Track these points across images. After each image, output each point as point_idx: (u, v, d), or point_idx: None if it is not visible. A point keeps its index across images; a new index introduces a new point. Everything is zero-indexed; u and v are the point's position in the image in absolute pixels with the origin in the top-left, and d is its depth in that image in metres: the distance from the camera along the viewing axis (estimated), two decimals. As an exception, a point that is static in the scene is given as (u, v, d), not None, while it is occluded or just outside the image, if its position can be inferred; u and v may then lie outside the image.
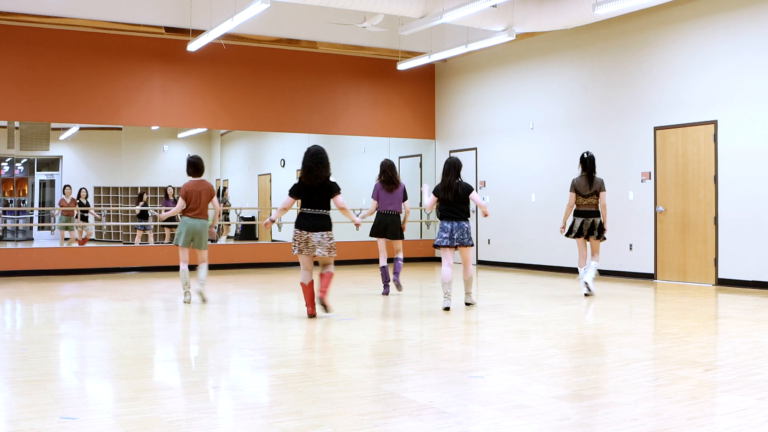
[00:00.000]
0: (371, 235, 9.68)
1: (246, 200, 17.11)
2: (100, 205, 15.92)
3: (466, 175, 15.10)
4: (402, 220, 9.72)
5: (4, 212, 15.28)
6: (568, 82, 12.94)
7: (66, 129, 15.63)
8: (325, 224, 7.33)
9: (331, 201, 7.46)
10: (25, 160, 16.22)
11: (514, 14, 10.95)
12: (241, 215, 16.81)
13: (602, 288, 10.35)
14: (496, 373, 5.10)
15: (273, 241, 16.17)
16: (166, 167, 16.60)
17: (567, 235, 9.36)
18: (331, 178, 7.47)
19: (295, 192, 7.45)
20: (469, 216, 8.23)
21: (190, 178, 8.86)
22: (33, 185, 16.54)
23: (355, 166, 16.56)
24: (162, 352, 6.21)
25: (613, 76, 12.08)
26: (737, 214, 10.24)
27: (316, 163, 7.37)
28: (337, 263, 13.68)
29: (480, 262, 14.82)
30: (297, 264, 14.50)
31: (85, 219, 14.81)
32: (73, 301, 9.54)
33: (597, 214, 9.19)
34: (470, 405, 4.25)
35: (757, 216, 10.01)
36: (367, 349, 6.19)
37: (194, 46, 12.04)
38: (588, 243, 9.32)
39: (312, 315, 7.46)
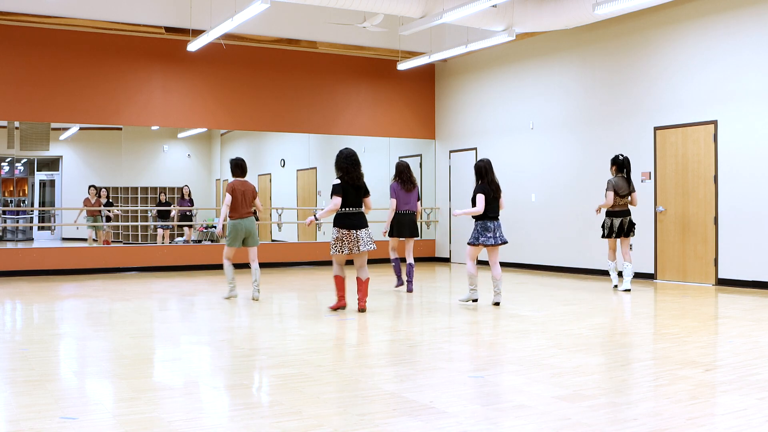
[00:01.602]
0: (392, 235, 9.97)
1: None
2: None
3: (466, 176, 15.14)
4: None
5: (4, 212, 15.28)
6: (568, 82, 12.95)
7: (66, 129, 15.63)
8: (365, 222, 7.93)
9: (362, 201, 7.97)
10: (25, 160, 16.22)
11: (514, 14, 10.95)
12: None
13: (602, 288, 10.36)
14: (496, 373, 5.10)
15: (273, 241, 16.17)
16: (166, 167, 16.60)
17: (607, 236, 9.95)
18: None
19: (341, 191, 7.79)
20: None
21: (235, 179, 9.21)
22: (33, 185, 16.54)
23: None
24: (162, 352, 6.21)
25: (613, 76, 12.08)
26: (737, 214, 10.24)
27: (353, 164, 7.84)
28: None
29: (480, 262, 14.77)
30: (296, 264, 14.57)
31: (108, 219, 14.83)
32: (73, 301, 9.54)
33: (628, 213, 9.94)
34: (470, 405, 4.25)
35: (757, 216, 10.01)
36: (367, 349, 6.19)
37: (194, 46, 12.04)
38: (618, 240, 9.99)
39: (344, 306, 8.04)
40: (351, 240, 7.78)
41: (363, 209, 7.93)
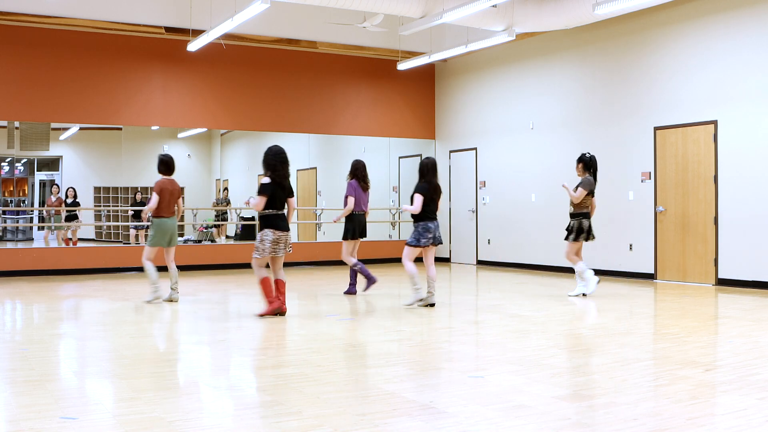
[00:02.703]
0: (350, 237, 9.52)
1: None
2: (100, 205, 15.92)
3: (467, 175, 15.15)
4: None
5: (4, 212, 15.28)
6: (568, 82, 12.95)
7: (66, 129, 15.64)
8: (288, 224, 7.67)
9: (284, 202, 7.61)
10: (25, 160, 16.22)
11: (514, 14, 10.95)
12: (241, 215, 16.82)
13: (602, 288, 10.36)
14: (496, 373, 5.10)
15: (273, 241, 16.15)
16: (166, 167, 16.58)
17: (576, 237, 9.19)
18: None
19: (270, 190, 7.42)
20: None
21: (162, 177, 8.84)
22: (33, 185, 16.55)
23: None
24: (162, 352, 6.21)
25: (613, 76, 12.08)
26: (737, 214, 10.24)
27: (282, 161, 7.48)
28: (334, 263, 13.69)
29: (480, 262, 14.83)
30: (298, 264, 14.57)
31: (71, 218, 14.74)
32: (73, 301, 9.54)
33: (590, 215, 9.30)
34: (470, 405, 4.25)
35: (757, 216, 10.01)
36: (367, 349, 6.19)
37: (194, 46, 12.03)
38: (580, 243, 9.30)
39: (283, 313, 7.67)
40: (285, 242, 7.59)
41: (285, 211, 7.65)
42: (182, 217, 15.58)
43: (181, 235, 15.78)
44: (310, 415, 4.00)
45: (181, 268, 13.44)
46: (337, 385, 4.79)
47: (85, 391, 4.74)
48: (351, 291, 9.63)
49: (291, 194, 7.64)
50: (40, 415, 4.00)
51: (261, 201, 7.42)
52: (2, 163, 15.83)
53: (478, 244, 14.85)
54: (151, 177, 16.09)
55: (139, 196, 15.33)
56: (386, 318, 7.79)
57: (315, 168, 17.01)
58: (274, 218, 7.50)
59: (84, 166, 16.23)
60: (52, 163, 16.26)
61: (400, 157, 16.41)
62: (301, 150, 17.04)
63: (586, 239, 9.22)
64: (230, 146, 17.33)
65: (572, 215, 9.26)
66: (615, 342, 6.31)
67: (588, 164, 9.21)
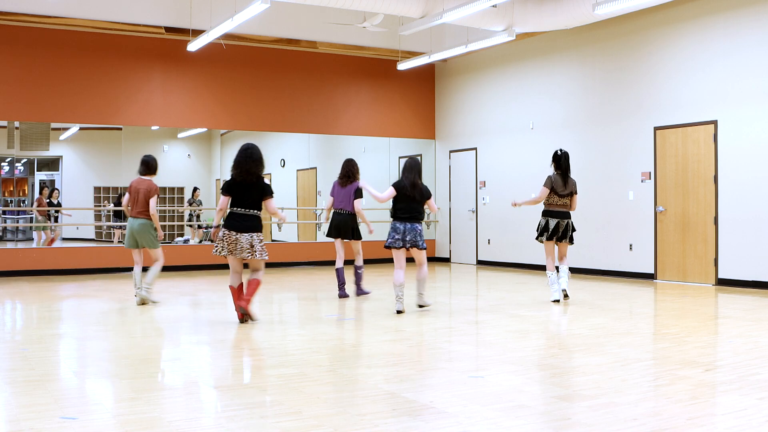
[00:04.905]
0: (327, 235, 9.24)
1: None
2: (100, 205, 15.91)
3: (467, 175, 15.15)
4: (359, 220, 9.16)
5: (4, 212, 15.29)
6: (568, 82, 12.94)
7: (66, 129, 15.62)
8: (254, 225, 7.02)
9: (263, 204, 7.14)
10: (25, 160, 16.21)
11: (514, 14, 10.95)
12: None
13: (602, 288, 10.36)
14: (496, 373, 5.10)
15: (273, 241, 16.16)
16: (166, 167, 16.56)
17: (539, 237, 8.72)
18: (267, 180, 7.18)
19: (226, 189, 7.09)
20: (423, 218, 7.95)
21: (138, 177, 8.76)
22: (33, 185, 16.53)
23: (355, 166, 16.56)
24: (162, 352, 6.21)
25: (613, 76, 12.08)
26: (737, 214, 10.24)
27: (245, 158, 7.02)
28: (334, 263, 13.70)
29: (480, 262, 14.83)
30: (298, 264, 14.58)
31: (54, 219, 14.74)
32: (73, 301, 9.54)
33: (569, 215, 8.68)
34: (470, 405, 4.25)
35: (757, 216, 10.01)
36: (367, 349, 6.19)
37: (194, 46, 12.04)
38: (556, 246, 8.75)
39: (242, 320, 7.18)
40: (230, 242, 7.01)
41: (257, 212, 7.02)
42: (183, 217, 15.60)
43: (181, 235, 15.78)
44: (310, 415, 4.00)
45: (181, 268, 13.49)
46: (337, 385, 4.79)
47: (85, 391, 4.74)
48: (341, 294, 9.17)
49: (264, 195, 7.07)
50: (40, 415, 4.00)
51: (222, 200, 7.14)
52: (2, 163, 15.83)
53: (478, 244, 14.86)
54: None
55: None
56: (386, 318, 7.78)
57: (315, 168, 17.00)
58: (227, 217, 7.11)
59: (84, 166, 16.21)
60: (52, 163, 16.25)
61: (400, 157, 16.40)
62: (301, 150, 17.03)
63: (552, 239, 8.61)
64: (230, 146, 17.29)
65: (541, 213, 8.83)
66: (615, 342, 6.31)
67: (555, 160, 8.67)
